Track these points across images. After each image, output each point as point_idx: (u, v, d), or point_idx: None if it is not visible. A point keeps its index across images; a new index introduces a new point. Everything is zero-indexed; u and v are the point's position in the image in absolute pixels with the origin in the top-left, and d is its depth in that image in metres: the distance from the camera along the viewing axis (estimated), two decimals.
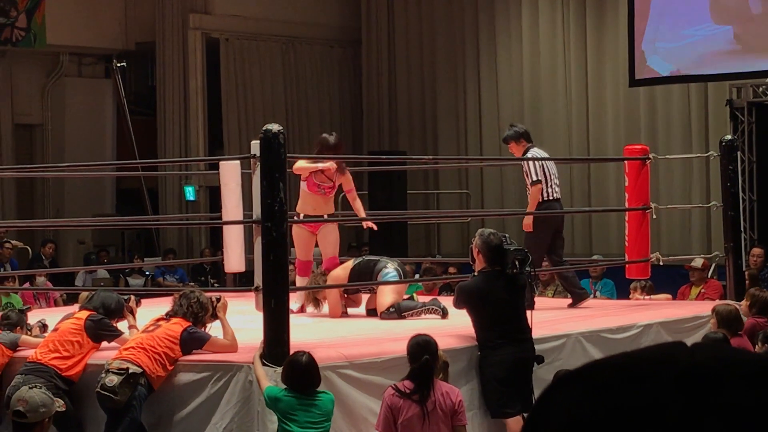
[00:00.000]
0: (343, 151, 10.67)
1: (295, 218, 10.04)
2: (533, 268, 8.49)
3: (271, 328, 7.47)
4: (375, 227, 10.86)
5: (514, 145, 10.73)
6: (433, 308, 9.60)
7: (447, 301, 9.66)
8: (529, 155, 10.59)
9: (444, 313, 9.47)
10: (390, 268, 9.80)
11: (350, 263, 10.08)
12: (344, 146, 10.76)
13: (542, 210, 10.47)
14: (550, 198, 10.50)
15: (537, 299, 9.72)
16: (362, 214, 10.49)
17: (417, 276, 14.28)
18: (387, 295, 9.72)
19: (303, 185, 10.15)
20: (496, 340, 8.07)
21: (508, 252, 8.16)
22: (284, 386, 7.00)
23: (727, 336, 8.49)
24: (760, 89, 16.98)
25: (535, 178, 10.44)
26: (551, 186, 10.49)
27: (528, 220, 10.41)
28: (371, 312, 9.94)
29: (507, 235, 8.49)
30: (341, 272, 9.98)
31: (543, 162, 10.56)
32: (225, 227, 9.29)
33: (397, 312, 9.55)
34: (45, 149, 21.54)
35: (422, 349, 7.14)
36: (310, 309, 10.01)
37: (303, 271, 10.24)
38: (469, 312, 8.27)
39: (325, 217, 10.22)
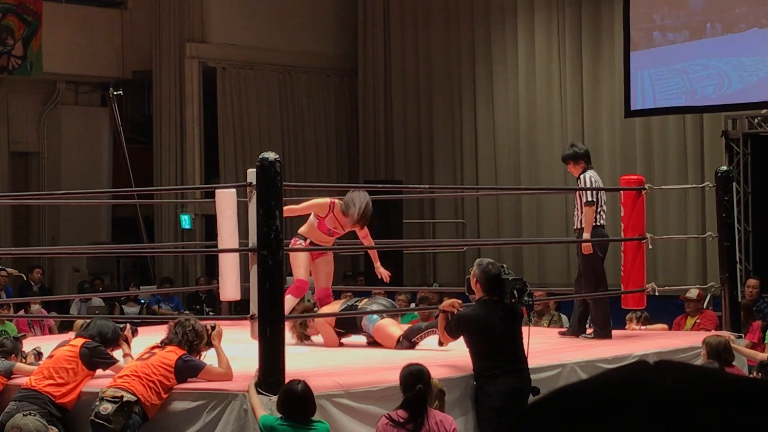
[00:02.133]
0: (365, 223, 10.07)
1: (300, 241, 10.08)
2: (531, 297, 8.48)
3: (266, 356, 7.45)
4: (388, 278, 10.39)
5: (572, 165, 10.67)
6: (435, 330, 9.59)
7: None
8: (586, 176, 10.52)
9: None
10: (373, 317, 9.81)
11: (337, 308, 10.04)
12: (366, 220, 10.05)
13: (591, 235, 10.42)
14: (597, 224, 10.46)
15: (532, 329, 9.70)
16: (377, 261, 10.40)
17: (412, 305, 14.28)
18: (391, 329, 9.75)
19: (313, 218, 10.14)
20: (494, 370, 8.05)
21: (507, 282, 8.16)
22: (279, 415, 6.98)
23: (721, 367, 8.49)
24: (755, 121, 17.03)
25: (588, 199, 10.38)
26: (599, 213, 10.45)
27: (587, 242, 10.35)
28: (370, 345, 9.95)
29: (505, 265, 8.48)
30: (330, 318, 9.98)
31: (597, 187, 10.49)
32: (221, 255, 9.27)
33: (407, 340, 9.58)
34: (41, 177, 21.53)
35: (415, 378, 7.14)
36: (294, 341, 9.93)
37: (300, 291, 10.12)
38: (466, 341, 8.26)
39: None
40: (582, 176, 10.53)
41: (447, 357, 8.68)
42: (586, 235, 10.36)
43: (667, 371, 1.08)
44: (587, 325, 10.74)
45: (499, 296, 8.14)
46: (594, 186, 10.42)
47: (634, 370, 1.09)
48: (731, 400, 1.05)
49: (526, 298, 8.17)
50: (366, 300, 10.12)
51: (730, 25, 17.18)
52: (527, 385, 8.08)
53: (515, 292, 8.10)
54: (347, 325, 9.91)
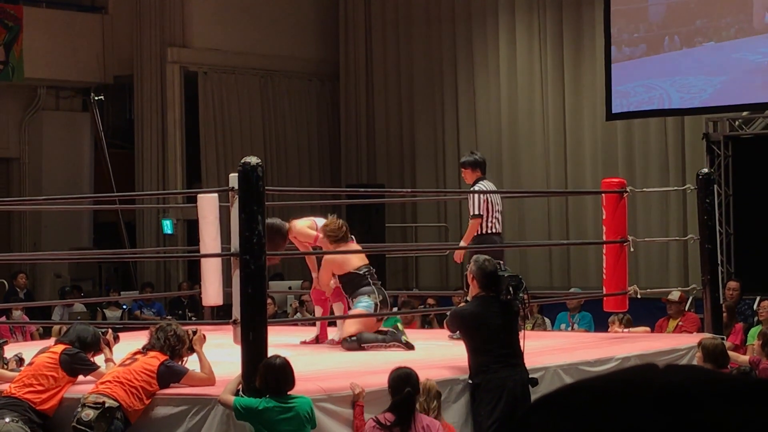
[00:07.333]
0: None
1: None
2: (527, 294, 8.51)
3: (249, 361, 7.44)
4: None
5: (469, 172, 10.75)
6: (394, 344, 9.54)
7: (428, 333, 9.64)
8: (476, 187, 10.63)
9: (408, 347, 9.46)
10: (365, 301, 9.75)
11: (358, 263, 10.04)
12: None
13: (480, 243, 10.43)
14: (490, 231, 10.51)
15: None
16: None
17: (395, 309, 14.27)
18: (352, 325, 9.72)
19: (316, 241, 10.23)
20: (491, 364, 8.09)
21: (503, 278, 8.22)
22: (256, 396, 7.04)
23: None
24: (736, 123, 17.08)
25: (475, 212, 10.49)
26: (491, 220, 10.51)
27: (460, 253, 10.52)
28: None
29: (501, 262, 8.55)
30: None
31: (488, 195, 10.58)
32: (203, 260, 9.25)
33: (358, 342, 9.54)
34: (22, 183, 21.47)
35: (403, 381, 7.16)
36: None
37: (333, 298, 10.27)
38: (463, 337, 8.30)
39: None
40: (477, 185, 10.62)
41: (440, 359, 8.72)
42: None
43: (673, 371, 1.11)
44: None
45: (495, 292, 8.19)
46: (481, 199, 10.48)
47: (640, 369, 1.13)
48: (733, 395, 1.07)
49: (521, 295, 8.23)
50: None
51: (689, 38, 17.13)
52: (525, 377, 8.13)
53: (510, 288, 8.16)
54: (348, 283, 9.89)
